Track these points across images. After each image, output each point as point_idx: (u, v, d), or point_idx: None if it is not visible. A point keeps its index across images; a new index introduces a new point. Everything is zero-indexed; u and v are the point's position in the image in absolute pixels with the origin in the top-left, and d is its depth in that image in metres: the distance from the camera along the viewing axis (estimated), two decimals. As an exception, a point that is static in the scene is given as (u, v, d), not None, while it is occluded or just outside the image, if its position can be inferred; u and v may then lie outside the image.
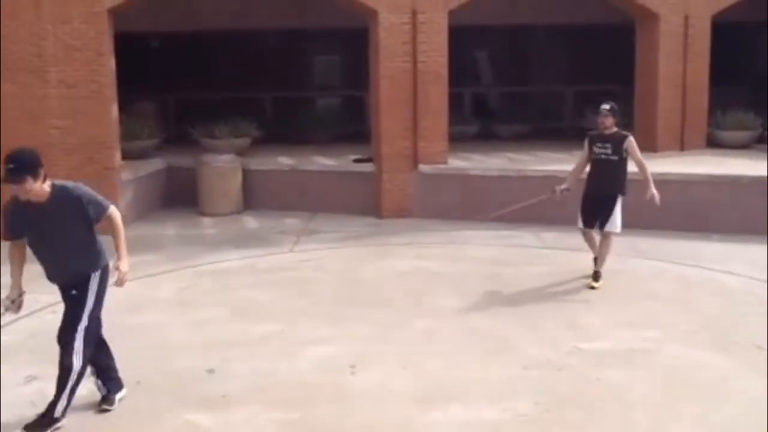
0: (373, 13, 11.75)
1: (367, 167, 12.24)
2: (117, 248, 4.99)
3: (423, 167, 11.80)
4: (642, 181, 8.10)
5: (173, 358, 6.09)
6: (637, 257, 9.21)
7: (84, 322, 4.85)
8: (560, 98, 17.60)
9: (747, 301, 7.57)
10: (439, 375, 5.75)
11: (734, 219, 10.37)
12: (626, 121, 14.03)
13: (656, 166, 11.40)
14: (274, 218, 11.64)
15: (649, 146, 13.19)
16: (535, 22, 15.89)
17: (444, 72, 11.80)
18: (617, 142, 7.90)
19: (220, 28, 14.79)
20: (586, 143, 8.16)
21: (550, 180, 11.17)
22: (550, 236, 10.24)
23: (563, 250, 9.54)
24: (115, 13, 10.83)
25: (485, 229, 10.58)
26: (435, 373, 5.79)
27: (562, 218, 10.75)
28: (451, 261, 9.19)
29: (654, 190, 7.95)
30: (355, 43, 13.45)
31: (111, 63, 10.79)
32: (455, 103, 15.12)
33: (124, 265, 4.97)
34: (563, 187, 8.27)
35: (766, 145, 13.55)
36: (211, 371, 5.83)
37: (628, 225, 10.39)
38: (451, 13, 11.84)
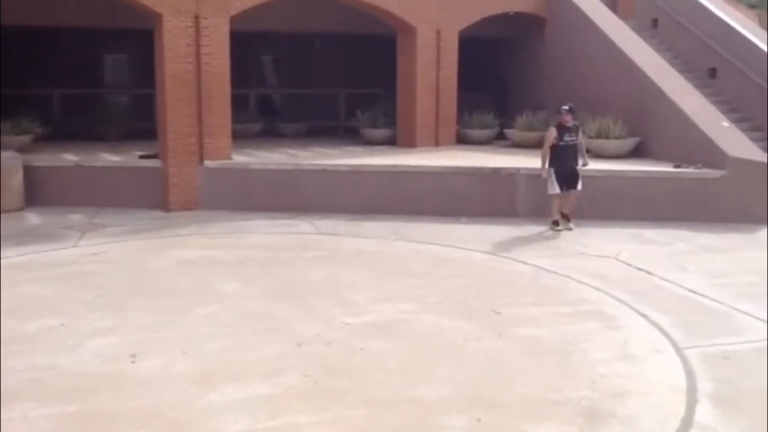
0: (157, 16, 11.23)
1: (154, 162, 11.62)
2: None
3: (208, 162, 11.43)
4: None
5: (-59, 361, 5.37)
6: (398, 240, 9.51)
7: None
8: (335, 100, 17.85)
9: (488, 274, 8.07)
10: (217, 357, 5.54)
11: (479, 204, 11.06)
12: (390, 120, 14.58)
13: (416, 160, 11.96)
14: (58, 214, 10.66)
15: (409, 142, 13.79)
16: (313, 30, 15.95)
17: (227, 73, 11.51)
18: (576, 131, 10.13)
19: (6, 23, 13.33)
20: (554, 132, 9.98)
21: (323, 174, 11.37)
22: (324, 224, 10.32)
23: (335, 236, 9.66)
24: None
25: (266, 219, 10.48)
26: (214, 355, 5.58)
27: (335, 207, 10.98)
28: (234, 249, 8.96)
29: (588, 161, 10.32)
30: (144, 43, 12.71)
31: None
32: (240, 102, 14.84)
33: None
34: (545, 169, 10.04)
35: (503, 141, 14.66)
36: (-18, 371, 5.20)
37: (390, 212, 10.83)
38: (234, 18, 11.58)
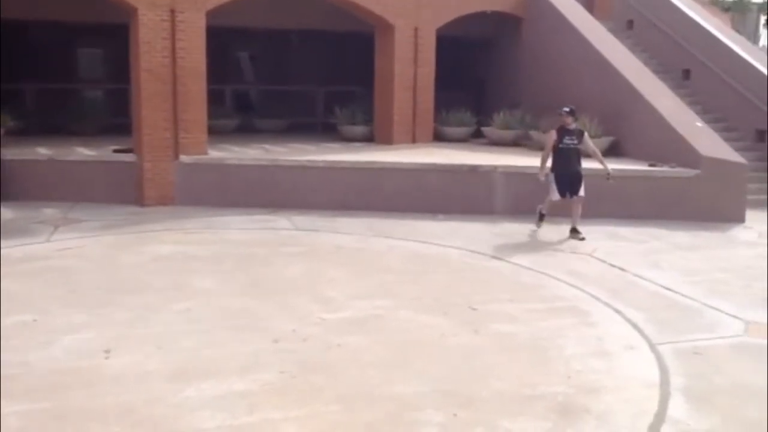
0: (132, 10, 11.11)
1: (129, 157, 11.50)
2: None
3: (184, 157, 11.33)
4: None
5: None
6: (375, 236, 9.49)
7: None
8: (313, 97, 17.79)
9: (465, 270, 8.10)
10: (193, 353, 5.49)
11: (457, 201, 11.08)
12: (368, 117, 14.57)
13: (393, 157, 11.97)
14: (31, 209, 10.47)
15: (386, 139, 13.79)
16: (291, 27, 15.88)
17: (203, 68, 11.43)
18: (579, 135, 9.64)
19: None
20: (554, 135, 9.57)
21: (300, 170, 11.32)
22: (301, 220, 10.29)
23: (312, 232, 9.63)
24: None
25: (243, 215, 10.42)
26: (189, 352, 5.52)
27: (312, 203, 10.95)
28: (210, 245, 8.89)
29: (609, 167, 9.75)
30: (119, 37, 12.56)
31: None
32: (217, 98, 14.73)
33: None
34: (545, 172, 9.67)
35: (480, 139, 14.71)
36: (-48, 367, 5.10)
37: (368, 208, 10.82)
38: (211, 13, 11.49)
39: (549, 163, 9.66)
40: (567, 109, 9.57)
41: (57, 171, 11.36)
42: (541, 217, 9.95)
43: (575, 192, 9.58)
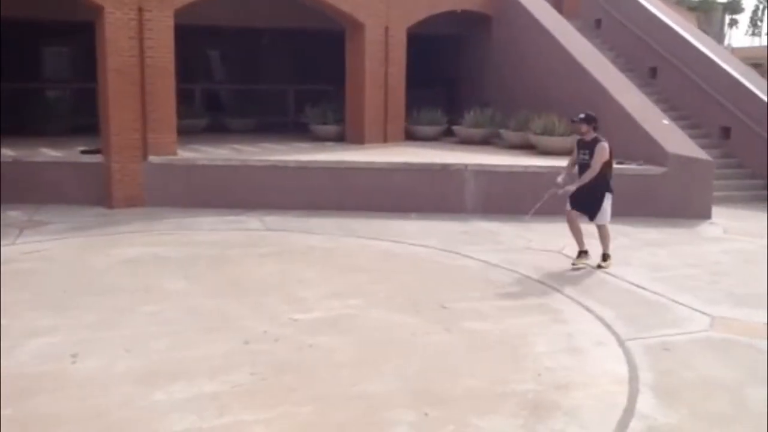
0: (99, 8, 10.94)
1: (96, 158, 11.33)
2: None
3: (153, 158, 11.20)
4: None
5: None
6: (347, 236, 9.47)
7: None
8: (284, 96, 17.72)
9: (436, 269, 8.11)
10: (162, 356, 5.43)
11: (428, 200, 11.11)
12: (339, 116, 14.55)
13: (365, 156, 11.95)
14: (-5, 211, 10.31)
15: (358, 139, 13.78)
16: (262, 26, 15.79)
17: (171, 67, 11.30)
18: (593, 148, 7.91)
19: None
20: (575, 147, 8.21)
21: (271, 170, 11.25)
22: (273, 220, 10.24)
23: (284, 232, 9.58)
24: None
25: (213, 215, 10.33)
26: (159, 354, 5.46)
27: (284, 203, 10.90)
28: (180, 246, 8.79)
29: (571, 188, 8.00)
30: (86, 36, 12.38)
31: None
32: (186, 97, 14.60)
33: None
34: (563, 186, 8.14)
35: (451, 138, 14.77)
36: None
37: (339, 208, 10.79)
38: (179, 11, 11.37)
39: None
40: (582, 116, 8.02)
41: (22, 172, 11.15)
42: (579, 254, 8.30)
43: (590, 217, 8.19)
